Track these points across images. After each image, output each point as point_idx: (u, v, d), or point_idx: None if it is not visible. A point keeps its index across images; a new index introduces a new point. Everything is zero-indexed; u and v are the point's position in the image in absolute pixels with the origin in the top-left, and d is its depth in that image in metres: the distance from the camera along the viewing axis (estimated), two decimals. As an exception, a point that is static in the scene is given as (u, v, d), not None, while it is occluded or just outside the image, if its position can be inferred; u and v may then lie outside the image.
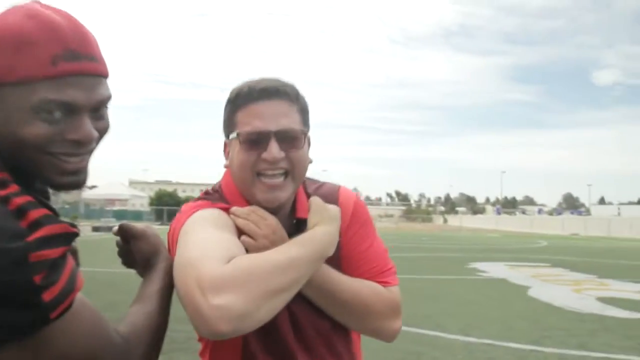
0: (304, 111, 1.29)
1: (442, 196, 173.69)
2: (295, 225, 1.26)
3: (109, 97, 0.89)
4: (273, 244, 1.11)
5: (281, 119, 1.21)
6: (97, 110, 0.87)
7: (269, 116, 1.20)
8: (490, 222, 79.16)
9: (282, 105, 1.22)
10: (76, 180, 0.88)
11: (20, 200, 0.75)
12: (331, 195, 1.34)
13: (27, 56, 0.79)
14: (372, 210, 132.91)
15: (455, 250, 23.28)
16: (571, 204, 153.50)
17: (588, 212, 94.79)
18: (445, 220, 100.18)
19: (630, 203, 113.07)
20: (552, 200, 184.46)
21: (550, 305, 8.79)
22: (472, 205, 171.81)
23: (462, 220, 78.20)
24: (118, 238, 1.16)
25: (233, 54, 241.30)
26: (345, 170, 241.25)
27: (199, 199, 1.33)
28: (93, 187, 40.46)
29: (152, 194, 62.87)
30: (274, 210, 1.22)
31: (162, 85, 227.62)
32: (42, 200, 0.82)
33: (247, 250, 1.09)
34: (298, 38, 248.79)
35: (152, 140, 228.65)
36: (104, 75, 0.88)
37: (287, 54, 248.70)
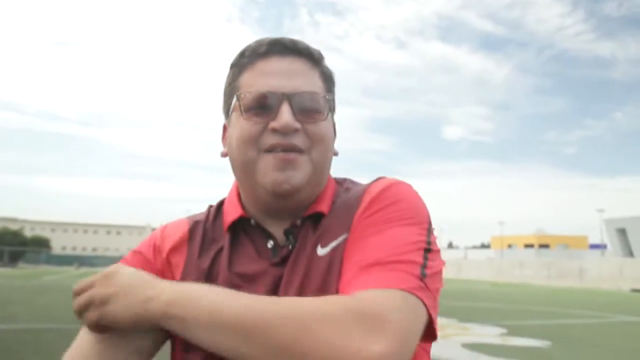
0: (328, 80, 1.00)
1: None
2: (301, 224, 0.95)
3: None
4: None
5: (296, 78, 0.93)
6: None
7: (281, 74, 0.92)
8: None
9: (298, 64, 0.95)
10: None
11: None
12: (361, 189, 0.97)
13: None
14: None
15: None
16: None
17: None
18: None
19: (474, 247, 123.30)
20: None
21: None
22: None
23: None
24: None
25: (96, 86, 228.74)
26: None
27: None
28: None
29: (-9, 232, 56.56)
30: (284, 204, 0.93)
31: (12, 114, 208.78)
32: None
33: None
34: (167, 75, 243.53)
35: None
36: None
37: (154, 91, 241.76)
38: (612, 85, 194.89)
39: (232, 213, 0.98)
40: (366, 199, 0.92)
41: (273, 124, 0.89)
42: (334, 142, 0.99)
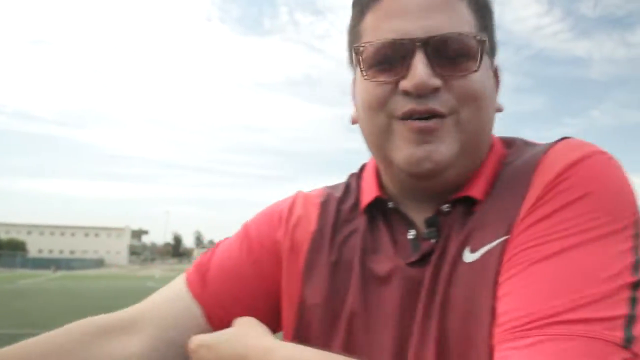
0: (482, 11, 0.74)
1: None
2: (449, 211, 0.72)
3: None
4: None
5: (435, 15, 0.68)
6: None
7: (413, 12, 0.69)
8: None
9: None
10: None
11: None
12: (531, 160, 0.69)
13: None
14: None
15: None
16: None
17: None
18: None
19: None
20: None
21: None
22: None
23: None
24: None
25: (73, 86, 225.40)
26: (190, 212, 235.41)
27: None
28: None
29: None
30: (427, 186, 0.72)
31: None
32: None
33: None
34: (142, 75, 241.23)
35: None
36: None
37: (130, 90, 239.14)
38: (588, 84, 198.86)
39: (368, 192, 0.81)
40: (538, 183, 0.65)
41: (404, 84, 0.68)
42: (495, 96, 0.76)
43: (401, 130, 0.70)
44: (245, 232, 0.88)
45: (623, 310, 0.53)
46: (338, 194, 0.86)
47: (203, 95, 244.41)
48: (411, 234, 0.74)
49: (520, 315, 0.55)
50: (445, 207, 0.73)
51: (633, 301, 0.54)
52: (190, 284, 0.84)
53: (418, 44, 0.67)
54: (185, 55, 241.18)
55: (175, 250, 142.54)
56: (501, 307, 0.59)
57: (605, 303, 0.53)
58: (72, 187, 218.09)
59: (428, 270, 0.69)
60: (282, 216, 0.86)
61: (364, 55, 0.71)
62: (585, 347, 0.51)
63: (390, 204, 0.77)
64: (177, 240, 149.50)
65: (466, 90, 0.69)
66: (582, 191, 0.61)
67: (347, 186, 0.87)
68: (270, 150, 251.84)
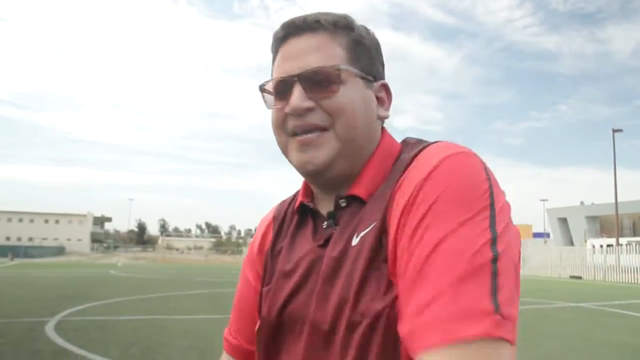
0: (354, 45, 0.96)
1: (253, 228, 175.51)
2: (339, 208, 0.94)
3: None
4: None
5: (308, 56, 0.92)
6: None
7: (295, 56, 0.93)
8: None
9: (314, 40, 0.94)
10: None
11: None
12: (405, 160, 0.89)
13: None
14: (181, 242, 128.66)
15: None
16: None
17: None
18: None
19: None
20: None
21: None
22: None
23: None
24: None
25: (33, 66, 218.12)
26: (154, 200, 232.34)
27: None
28: None
29: None
30: (321, 183, 0.96)
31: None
32: None
33: None
34: (106, 57, 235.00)
35: None
36: None
37: (92, 73, 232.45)
38: (557, 78, 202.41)
39: (299, 197, 1.06)
40: (407, 183, 0.82)
41: (286, 108, 0.91)
42: (373, 108, 0.96)
43: (293, 144, 0.93)
44: (242, 268, 1.15)
45: (486, 281, 0.67)
46: (288, 202, 1.12)
47: (169, 80, 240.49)
48: (325, 224, 0.96)
49: (416, 300, 0.70)
50: (342, 202, 0.94)
51: (494, 274, 0.68)
52: (224, 342, 1.16)
53: (295, 78, 0.91)
54: (150, 38, 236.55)
55: (140, 238, 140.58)
56: (400, 288, 0.75)
57: (472, 282, 0.67)
58: (31, 172, 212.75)
59: (327, 251, 0.90)
60: (254, 243, 1.13)
61: (267, 92, 0.97)
62: (464, 320, 0.64)
63: (311, 205, 1.01)
64: (142, 227, 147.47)
65: (332, 106, 0.90)
66: (441, 189, 0.76)
67: (295, 194, 1.12)
68: (238, 138, 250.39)
